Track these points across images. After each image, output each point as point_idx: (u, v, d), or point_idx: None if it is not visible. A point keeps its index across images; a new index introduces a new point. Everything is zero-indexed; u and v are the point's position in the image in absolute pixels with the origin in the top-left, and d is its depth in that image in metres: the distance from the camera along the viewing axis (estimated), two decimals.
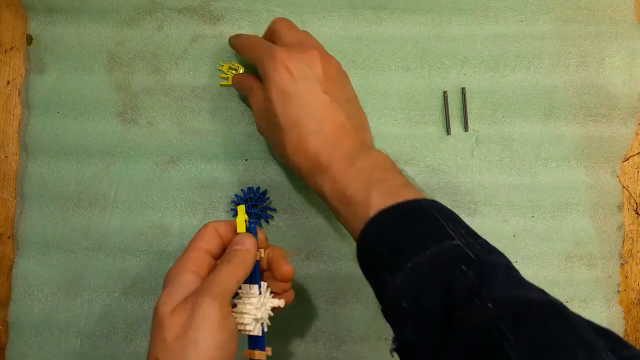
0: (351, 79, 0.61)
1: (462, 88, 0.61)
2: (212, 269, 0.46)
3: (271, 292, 0.50)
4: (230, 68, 0.61)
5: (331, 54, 0.61)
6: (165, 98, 0.62)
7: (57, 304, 0.61)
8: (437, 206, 0.45)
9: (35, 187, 0.62)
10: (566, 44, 0.62)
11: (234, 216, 0.61)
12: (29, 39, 0.63)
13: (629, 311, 0.61)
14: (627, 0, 0.62)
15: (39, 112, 0.62)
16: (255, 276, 0.48)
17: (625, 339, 0.60)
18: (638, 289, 0.61)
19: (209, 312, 0.41)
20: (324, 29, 0.62)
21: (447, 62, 0.62)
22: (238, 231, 0.49)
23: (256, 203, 0.61)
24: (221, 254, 0.48)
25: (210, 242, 0.47)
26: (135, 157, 0.62)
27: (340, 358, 0.61)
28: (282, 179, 0.62)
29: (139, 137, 0.62)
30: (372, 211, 0.44)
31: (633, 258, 0.61)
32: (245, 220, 0.49)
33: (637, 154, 0.62)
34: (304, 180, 0.51)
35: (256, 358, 0.48)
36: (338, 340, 0.61)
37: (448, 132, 0.62)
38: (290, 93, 0.49)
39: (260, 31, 0.62)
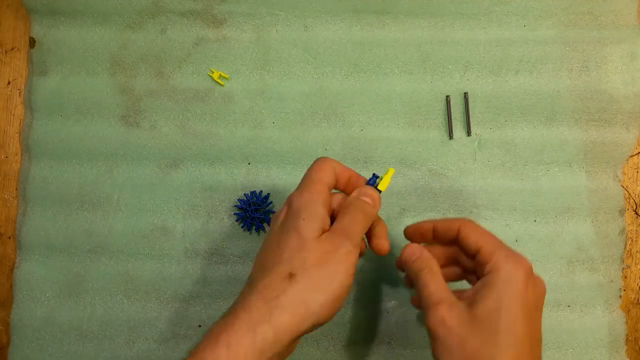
0: (354, 83, 0.62)
1: (465, 93, 0.62)
2: (330, 204, 0.48)
3: None
4: (221, 76, 0.61)
5: (334, 58, 0.62)
6: (168, 101, 0.62)
7: (60, 307, 0.62)
8: None
9: (38, 190, 0.62)
10: (569, 48, 0.62)
11: (237, 221, 0.61)
12: (32, 42, 0.63)
13: (628, 311, 0.61)
14: (630, 5, 0.62)
15: (41, 114, 0.62)
16: None
17: (625, 339, 0.61)
18: (637, 289, 0.62)
19: (350, 255, 0.44)
20: (327, 33, 0.62)
21: (449, 66, 0.62)
22: (375, 184, 0.51)
23: (259, 207, 0.61)
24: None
25: (329, 178, 0.49)
26: (138, 160, 0.62)
27: None
28: (284, 182, 0.62)
29: (141, 140, 0.62)
30: None
31: (632, 258, 0.62)
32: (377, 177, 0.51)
33: (636, 154, 0.62)
34: None
35: None
36: (340, 344, 0.61)
37: (451, 137, 0.62)
38: (526, 310, 0.44)
39: (264, 35, 0.62)
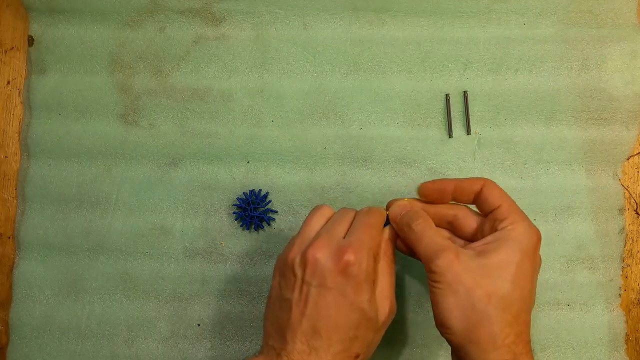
0: (353, 81, 0.62)
1: (464, 91, 0.61)
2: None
3: None
4: None
5: (333, 56, 0.62)
6: (167, 100, 0.62)
7: (58, 306, 0.61)
8: None
9: (37, 189, 0.62)
10: (568, 47, 0.62)
11: (236, 219, 0.61)
12: (31, 40, 0.63)
13: (629, 311, 0.61)
14: (630, 4, 0.62)
15: (40, 113, 0.62)
16: None
17: (626, 339, 0.60)
18: (638, 289, 0.61)
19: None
20: (327, 31, 0.62)
21: (449, 64, 0.62)
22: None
23: (258, 206, 0.61)
24: None
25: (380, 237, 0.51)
26: (136, 158, 0.62)
27: None
28: (283, 181, 0.62)
29: (140, 138, 0.62)
30: None
31: (633, 258, 0.62)
32: None
33: (637, 154, 0.62)
34: (475, 351, 0.45)
35: None
36: None
37: (450, 135, 0.62)
38: (533, 273, 0.47)
39: (263, 33, 0.62)
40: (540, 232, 0.57)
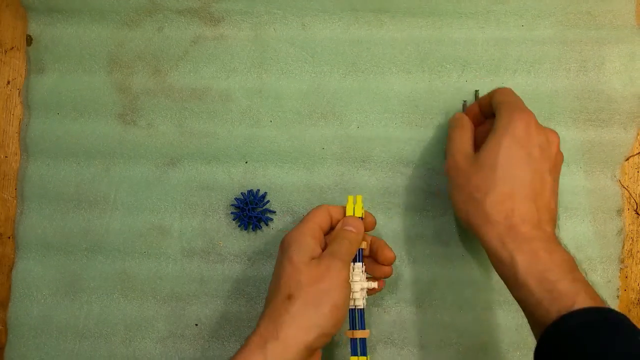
0: (352, 81, 0.62)
1: (476, 91, 0.61)
2: (322, 242, 0.53)
3: (367, 275, 0.55)
4: None
5: (332, 56, 0.62)
6: (166, 100, 0.62)
7: (56, 305, 0.61)
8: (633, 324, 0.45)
9: (35, 188, 0.62)
10: (567, 48, 0.62)
11: (234, 219, 0.61)
12: (29, 40, 0.63)
13: (629, 311, 0.61)
14: (628, 5, 0.62)
15: (39, 113, 0.62)
16: (358, 256, 0.54)
17: None
18: (638, 289, 0.61)
19: (341, 272, 0.49)
20: (325, 32, 0.62)
21: (448, 65, 0.62)
22: (348, 214, 0.55)
23: (256, 206, 0.61)
24: (329, 232, 0.54)
25: (323, 220, 0.53)
26: (135, 158, 0.62)
27: None
28: (281, 181, 0.62)
29: (139, 138, 0.62)
30: (577, 305, 0.45)
31: (633, 258, 0.61)
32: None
33: (637, 154, 0.62)
34: (478, 233, 0.51)
35: (358, 337, 0.53)
36: (337, 343, 0.61)
37: None
38: (524, 150, 0.51)
39: (261, 33, 0.62)
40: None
